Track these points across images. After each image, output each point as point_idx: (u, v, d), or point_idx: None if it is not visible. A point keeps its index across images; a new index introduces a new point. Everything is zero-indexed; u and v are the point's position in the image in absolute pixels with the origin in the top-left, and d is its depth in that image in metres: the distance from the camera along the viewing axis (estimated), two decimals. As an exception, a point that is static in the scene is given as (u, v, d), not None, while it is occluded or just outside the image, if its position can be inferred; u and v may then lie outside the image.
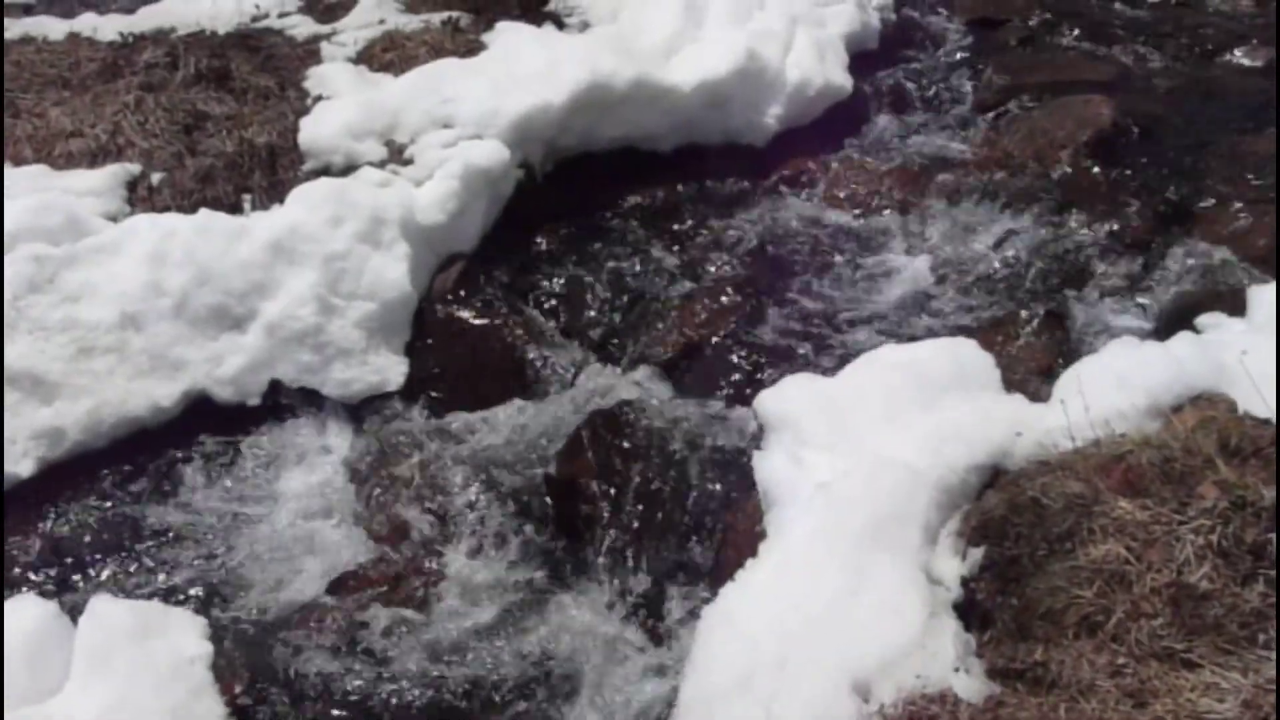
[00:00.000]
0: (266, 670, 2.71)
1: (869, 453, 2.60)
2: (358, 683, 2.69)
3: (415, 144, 4.20)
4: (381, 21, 5.25)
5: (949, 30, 5.74)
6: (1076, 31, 5.59)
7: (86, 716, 2.40)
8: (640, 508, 3.00)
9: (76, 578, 3.03)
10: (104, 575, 3.04)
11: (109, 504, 3.24)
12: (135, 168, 4.09)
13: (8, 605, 2.60)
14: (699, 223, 4.29)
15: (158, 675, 2.49)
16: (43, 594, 2.89)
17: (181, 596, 2.95)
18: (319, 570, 3.04)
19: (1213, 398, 2.54)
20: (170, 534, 3.16)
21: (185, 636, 2.60)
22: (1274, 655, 1.87)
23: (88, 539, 3.13)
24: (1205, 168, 4.25)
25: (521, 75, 4.42)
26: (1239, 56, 5.27)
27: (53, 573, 3.04)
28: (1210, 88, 4.96)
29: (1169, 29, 5.57)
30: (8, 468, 3.19)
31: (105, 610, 2.58)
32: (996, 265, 3.94)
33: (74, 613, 2.65)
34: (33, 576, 3.02)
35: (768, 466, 2.76)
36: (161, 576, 3.03)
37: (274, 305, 3.55)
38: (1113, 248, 3.90)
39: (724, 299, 3.81)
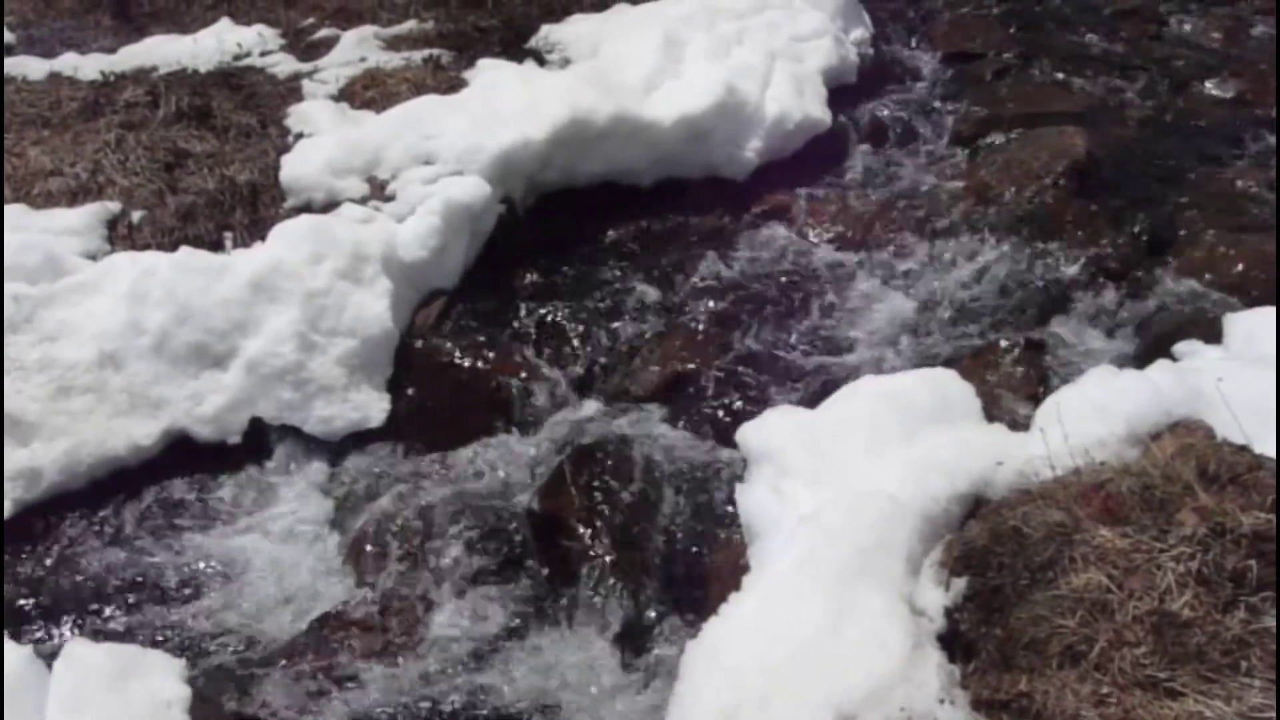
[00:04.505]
0: (246, 713, 2.67)
1: (851, 484, 2.60)
2: (339, 724, 2.66)
3: (397, 180, 4.22)
4: (363, 59, 5.29)
5: (926, 64, 5.82)
6: (1051, 64, 5.68)
7: (61, 763, 2.35)
8: (623, 542, 2.99)
9: (52, 620, 3.00)
10: (80, 617, 3.00)
11: (86, 545, 3.21)
12: (115, 206, 4.10)
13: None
14: (680, 256, 4.31)
15: None
16: (17, 637, 2.85)
17: (160, 638, 2.92)
18: (300, 609, 3.01)
19: (1191, 425, 2.55)
20: (149, 575, 3.12)
21: (163, 679, 2.55)
22: (1256, 683, 1.87)
23: (64, 580, 3.10)
24: (1179, 197, 4.30)
25: (503, 112, 4.45)
26: (1209, 88, 5.35)
27: (28, 615, 3.00)
28: (1182, 119, 5.04)
29: (1140, 61, 5.66)
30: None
31: (81, 653, 2.53)
32: (975, 295, 3.97)
33: (49, 656, 2.61)
34: (7, 619, 2.98)
35: (750, 499, 2.75)
36: (140, 618, 3.00)
37: (255, 343, 3.53)
38: (1090, 277, 3.94)
39: (706, 332, 3.82)
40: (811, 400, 3.25)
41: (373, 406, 3.56)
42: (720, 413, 3.51)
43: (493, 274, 4.20)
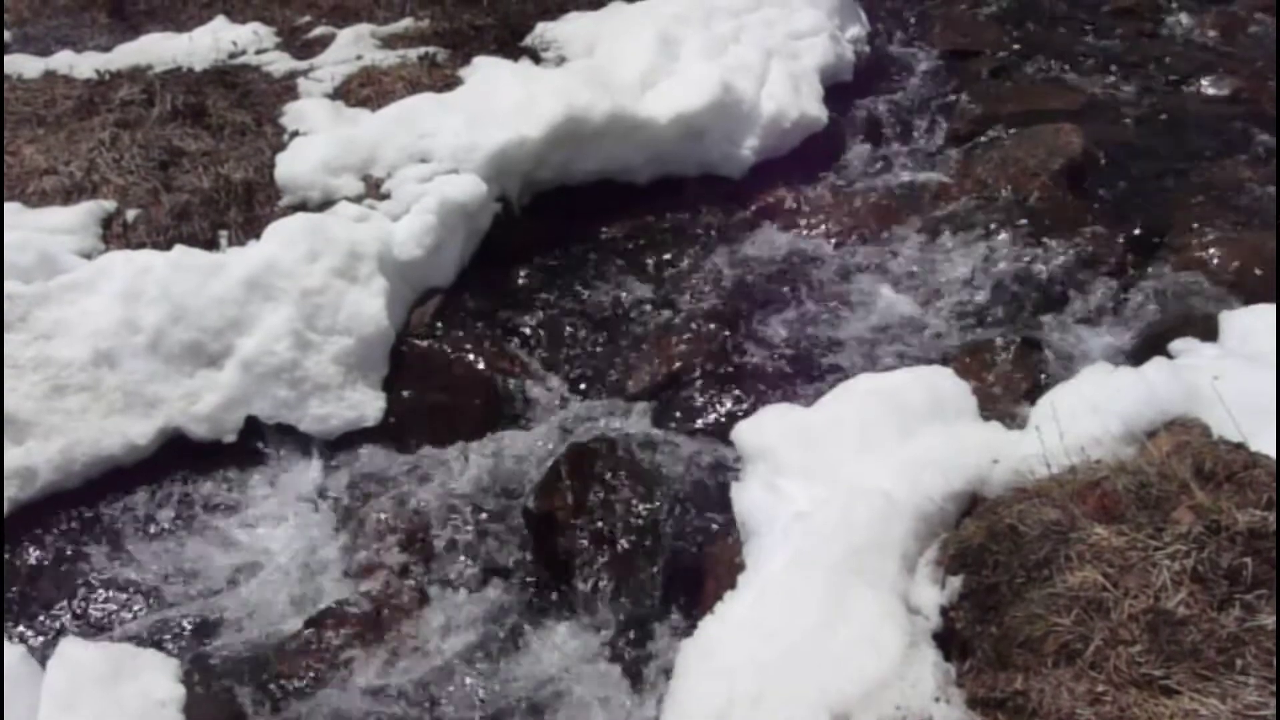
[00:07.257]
0: (240, 713, 2.67)
1: (847, 482, 2.60)
2: (334, 723, 2.65)
3: (392, 179, 4.21)
4: (358, 57, 5.27)
5: (922, 62, 5.81)
6: (1047, 62, 5.68)
7: (54, 762, 2.35)
8: (619, 541, 2.99)
9: (46, 620, 2.98)
10: (74, 617, 2.99)
11: (81, 544, 3.20)
12: (110, 205, 4.08)
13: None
14: (676, 254, 4.30)
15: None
16: (11, 636, 2.85)
17: (154, 638, 2.91)
18: (296, 608, 3.00)
19: (1186, 422, 2.55)
20: (143, 574, 3.11)
21: (156, 679, 2.55)
22: (1251, 681, 1.87)
23: (58, 580, 3.09)
24: (1175, 195, 4.30)
25: (498, 110, 4.44)
26: (1205, 86, 5.35)
27: (22, 615, 3.00)
28: (1178, 116, 5.03)
29: (1137, 59, 5.66)
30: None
31: (74, 653, 2.54)
32: (971, 293, 3.97)
33: (42, 656, 2.61)
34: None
35: (746, 497, 2.75)
36: (134, 618, 2.99)
37: (250, 341, 3.52)
38: (1086, 274, 3.94)
39: (701, 330, 3.82)
40: (807, 398, 3.25)
41: (368, 405, 3.55)
42: (715, 411, 3.51)
43: (489, 272, 4.19)
